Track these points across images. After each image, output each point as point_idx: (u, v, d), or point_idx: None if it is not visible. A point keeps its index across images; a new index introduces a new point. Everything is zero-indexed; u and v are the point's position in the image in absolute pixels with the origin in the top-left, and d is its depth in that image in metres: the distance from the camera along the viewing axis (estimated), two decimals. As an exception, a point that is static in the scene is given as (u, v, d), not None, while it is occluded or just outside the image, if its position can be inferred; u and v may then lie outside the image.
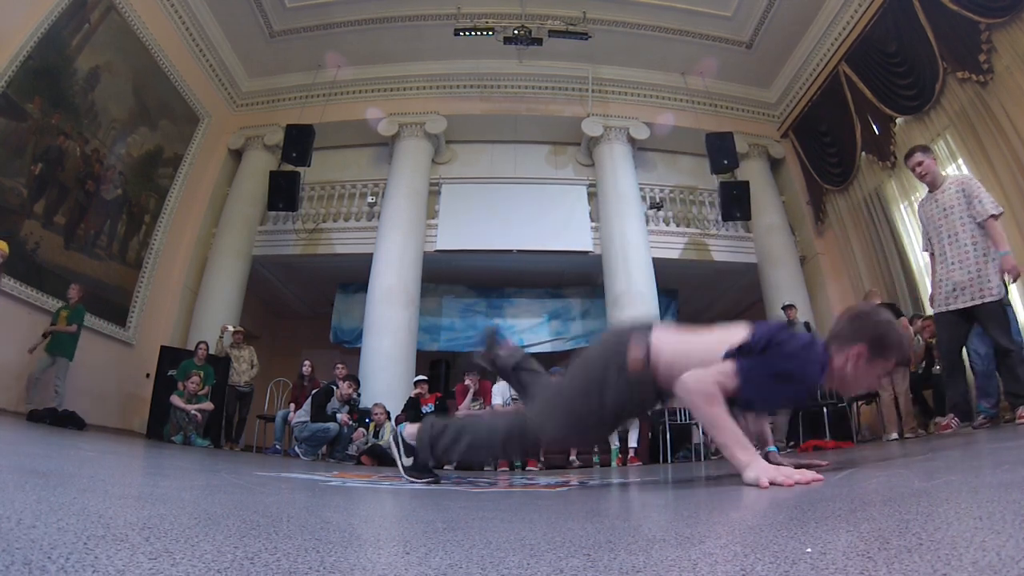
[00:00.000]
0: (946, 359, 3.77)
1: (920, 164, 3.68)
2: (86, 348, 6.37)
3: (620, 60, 9.01)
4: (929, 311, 4.54)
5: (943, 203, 3.60)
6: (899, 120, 7.09)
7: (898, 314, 4.56)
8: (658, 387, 1.79)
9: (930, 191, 3.72)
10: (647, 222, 8.55)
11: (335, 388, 6.11)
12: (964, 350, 3.80)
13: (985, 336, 3.87)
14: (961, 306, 3.48)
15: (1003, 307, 3.46)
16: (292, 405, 6.87)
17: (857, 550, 0.66)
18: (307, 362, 7.32)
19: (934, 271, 3.70)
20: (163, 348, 7.00)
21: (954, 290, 3.51)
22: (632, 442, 5.81)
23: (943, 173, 3.76)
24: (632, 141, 9.06)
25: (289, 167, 8.20)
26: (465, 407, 5.98)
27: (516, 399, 5.76)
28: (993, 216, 3.38)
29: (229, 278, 8.25)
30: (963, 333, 3.64)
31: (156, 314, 7.78)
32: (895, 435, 4.67)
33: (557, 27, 7.96)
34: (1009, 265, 3.33)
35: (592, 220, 8.71)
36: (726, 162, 8.23)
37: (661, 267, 8.20)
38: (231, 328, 7.39)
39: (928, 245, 3.75)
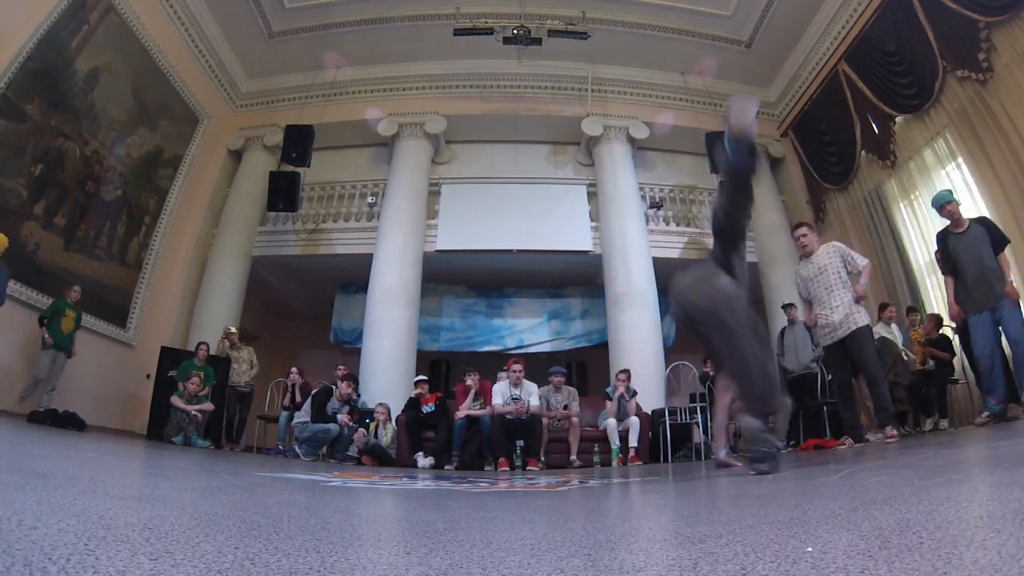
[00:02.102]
0: (838, 386, 4.38)
1: (804, 236, 4.44)
2: (86, 349, 6.38)
3: (620, 60, 9.00)
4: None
5: (818, 264, 4.34)
6: (899, 119, 7.07)
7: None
8: None
9: (805, 258, 4.48)
10: (647, 222, 8.54)
11: (334, 388, 6.11)
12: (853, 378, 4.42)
13: (985, 333, 3.99)
14: (841, 336, 4.17)
15: (870, 333, 4.24)
16: (284, 413, 6.82)
17: (858, 549, 0.66)
18: (294, 370, 7.01)
19: (811, 312, 4.50)
20: (163, 349, 6.99)
21: (835, 328, 4.21)
22: (632, 442, 5.80)
23: (816, 243, 4.52)
24: (632, 141, 9.05)
25: (289, 167, 8.19)
26: (466, 407, 5.97)
27: (516, 399, 5.76)
28: (865, 263, 4.29)
29: (229, 279, 8.24)
30: (847, 361, 4.29)
31: (156, 315, 7.77)
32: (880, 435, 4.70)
33: (556, 27, 7.94)
34: (861, 292, 4.19)
35: (592, 220, 8.71)
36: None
37: (661, 267, 8.18)
38: (231, 329, 7.39)
39: (807, 295, 4.49)
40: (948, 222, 4.48)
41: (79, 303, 6.07)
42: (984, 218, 4.54)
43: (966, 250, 4.33)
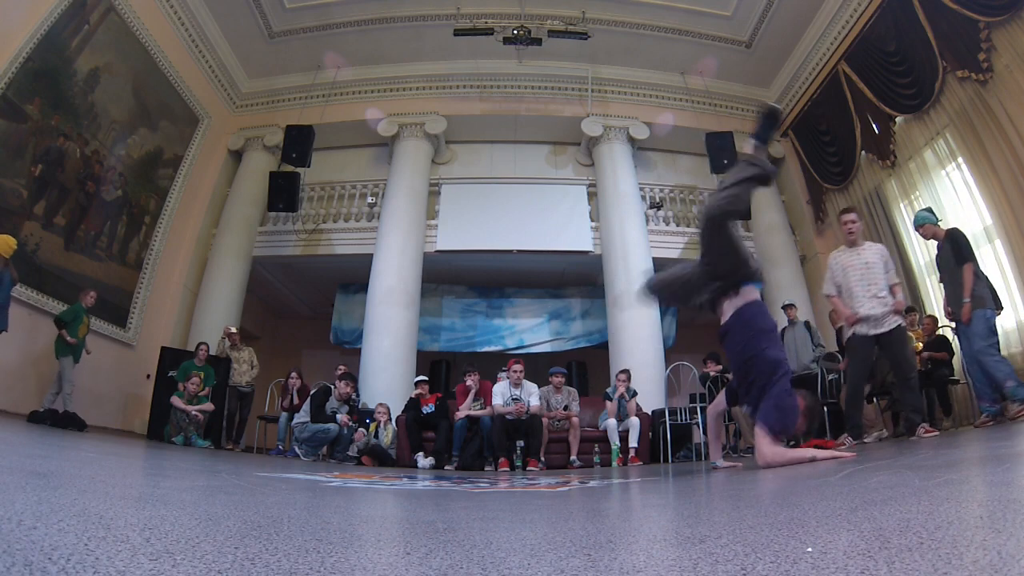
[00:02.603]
0: (854, 384, 4.33)
1: (854, 222, 4.33)
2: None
3: (620, 60, 9.00)
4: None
5: (865, 258, 4.25)
6: (899, 119, 7.08)
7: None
8: None
9: (849, 247, 4.35)
10: (647, 222, 8.54)
11: (332, 388, 6.11)
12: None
13: (965, 342, 4.23)
14: (880, 331, 4.09)
15: (905, 333, 4.27)
16: (284, 413, 6.80)
17: (858, 549, 0.66)
18: (294, 374, 6.96)
19: (840, 307, 4.36)
20: (163, 349, 6.99)
21: (875, 320, 4.11)
22: (632, 442, 5.80)
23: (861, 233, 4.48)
24: (632, 141, 9.05)
25: (289, 168, 8.19)
26: (466, 407, 5.97)
27: (516, 399, 5.76)
28: (897, 283, 4.28)
29: (229, 279, 8.25)
30: (870, 360, 4.29)
31: (156, 315, 7.78)
32: (873, 436, 4.72)
33: (557, 27, 7.94)
34: (902, 306, 4.21)
35: (592, 220, 8.71)
36: (726, 161, 8.22)
37: (661, 267, 8.17)
38: (232, 330, 7.39)
39: (834, 288, 4.35)
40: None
41: (92, 308, 6.16)
42: (951, 232, 4.50)
43: (941, 267, 4.53)
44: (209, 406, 6.20)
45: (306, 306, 10.69)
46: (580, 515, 1.45)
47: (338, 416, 5.88)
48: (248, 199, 8.73)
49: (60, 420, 5.34)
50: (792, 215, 9.08)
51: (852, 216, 4.35)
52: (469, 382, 6.11)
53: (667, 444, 6.06)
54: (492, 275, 9.18)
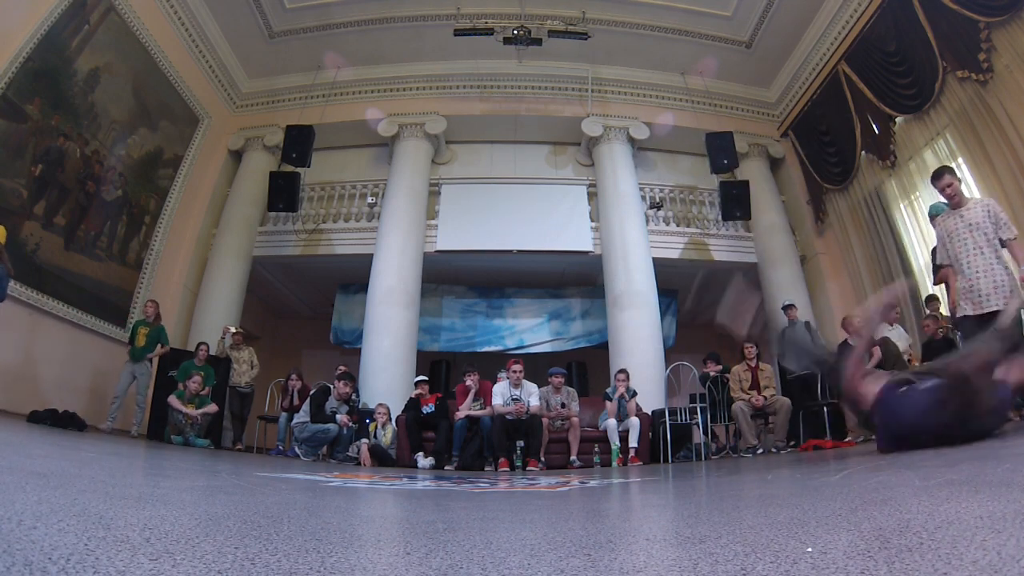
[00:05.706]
0: None
1: (951, 184, 3.82)
2: (86, 349, 6.40)
3: (620, 60, 9.00)
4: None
5: (969, 219, 3.75)
6: (899, 119, 7.08)
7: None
8: None
9: (952, 209, 3.87)
10: (647, 222, 8.54)
11: (332, 388, 6.11)
12: None
13: None
14: (992, 309, 3.58)
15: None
16: (284, 413, 6.77)
17: (858, 549, 0.66)
18: (294, 376, 6.90)
19: (953, 283, 3.84)
20: (163, 349, 6.99)
21: (981, 296, 3.67)
22: (632, 442, 5.80)
23: (962, 192, 3.93)
24: (632, 141, 9.05)
25: (289, 168, 8.19)
26: (466, 407, 5.97)
27: (516, 400, 5.76)
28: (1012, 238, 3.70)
29: (229, 279, 8.24)
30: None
31: (156, 315, 7.77)
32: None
33: (557, 27, 7.94)
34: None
35: (592, 220, 8.71)
36: (726, 162, 8.23)
37: (661, 267, 8.19)
38: (233, 330, 7.39)
39: (946, 257, 3.86)
40: None
41: (157, 319, 6.51)
42: None
43: None
44: (213, 407, 6.18)
45: (306, 306, 10.68)
46: (580, 515, 1.45)
47: (337, 416, 5.88)
48: (248, 199, 8.73)
49: (60, 420, 5.34)
50: (792, 215, 9.08)
51: (948, 179, 3.80)
52: (469, 382, 6.11)
53: (667, 444, 6.06)
54: (492, 275, 9.18)
